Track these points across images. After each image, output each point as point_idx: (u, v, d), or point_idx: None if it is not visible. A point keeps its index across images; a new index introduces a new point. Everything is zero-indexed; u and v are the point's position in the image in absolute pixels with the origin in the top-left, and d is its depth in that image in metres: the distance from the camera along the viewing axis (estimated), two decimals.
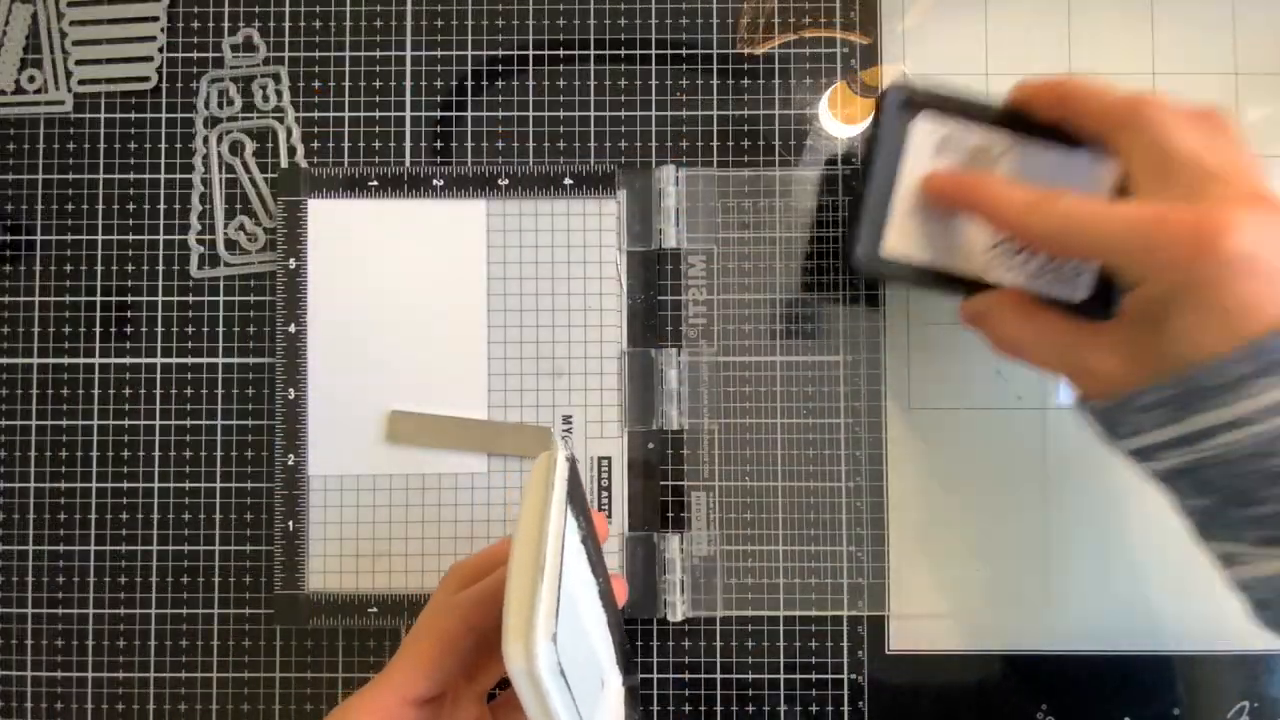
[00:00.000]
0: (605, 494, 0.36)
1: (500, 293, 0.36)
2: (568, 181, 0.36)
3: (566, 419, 0.36)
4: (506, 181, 0.36)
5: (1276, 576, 0.25)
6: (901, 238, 0.32)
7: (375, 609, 0.36)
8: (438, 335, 0.36)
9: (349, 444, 0.36)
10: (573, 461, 0.26)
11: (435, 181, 0.36)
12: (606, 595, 0.28)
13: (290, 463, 0.36)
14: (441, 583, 0.29)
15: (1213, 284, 0.24)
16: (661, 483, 0.36)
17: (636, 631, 0.36)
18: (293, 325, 0.36)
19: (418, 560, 0.36)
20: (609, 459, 0.36)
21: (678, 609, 0.36)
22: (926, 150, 0.32)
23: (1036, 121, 0.31)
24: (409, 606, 0.36)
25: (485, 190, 0.37)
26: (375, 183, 0.36)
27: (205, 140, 0.37)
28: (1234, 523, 0.26)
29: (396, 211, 0.37)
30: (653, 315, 0.37)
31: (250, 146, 0.38)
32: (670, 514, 0.37)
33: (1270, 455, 0.24)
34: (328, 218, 0.37)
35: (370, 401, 0.36)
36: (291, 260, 0.36)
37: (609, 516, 0.36)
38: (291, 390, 0.36)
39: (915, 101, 0.32)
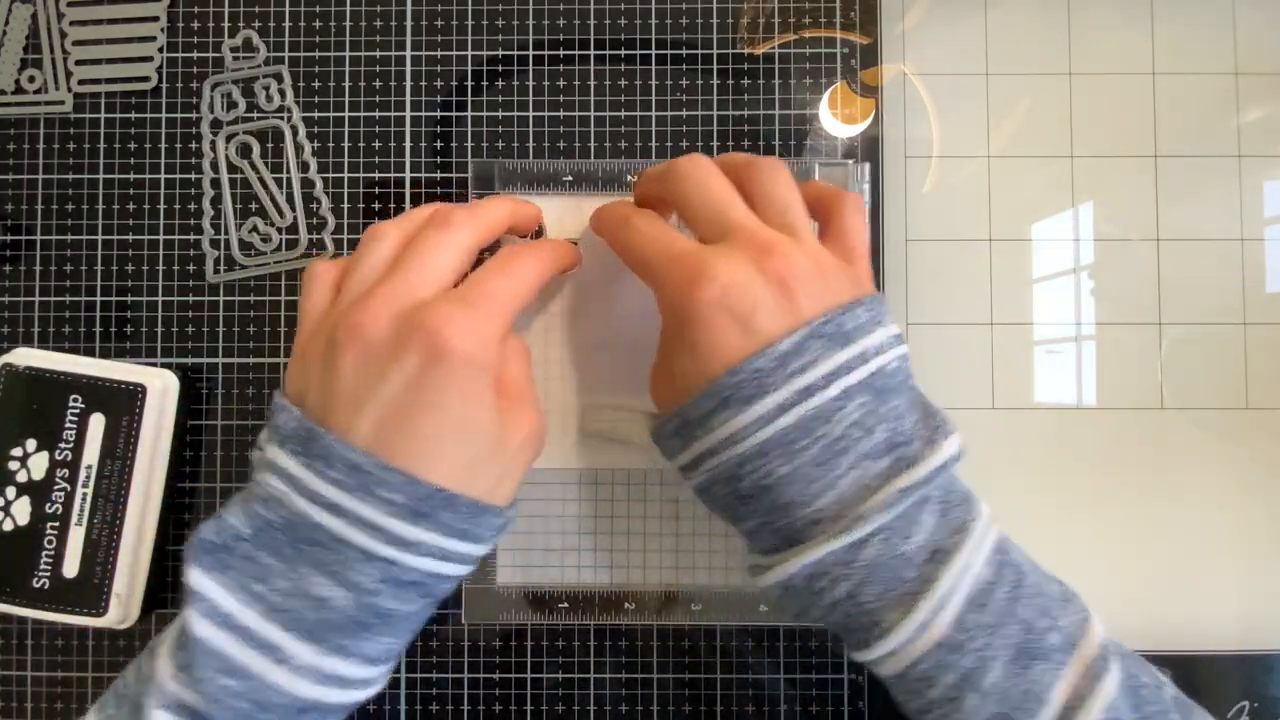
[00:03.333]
0: None
1: None
2: None
3: None
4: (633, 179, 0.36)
5: (778, 580, 0.27)
6: None
7: (566, 604, 0.36)
8: (624, 325, 0.36)
9: None
10: None
11: (629, 177, 0.37)
12: None
13: None
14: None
15: (693, 324, 0.27)
16: None
17: (637, 630, 0.36)
18: None
19: (607, 555, 0.36)
20: None
21: None
22: None
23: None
24: (600, 602, 0.36)
25: (614, 186, 0.37)
26: (569, 177, 0.36)
27: (213, 144, 0.37)
28: (746, 536, 0.29)
29: (585, 206, 0.36)
30: None
31: (257, 148, 0.38)
32: None
33: (736, 479, 0.27)
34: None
35: (562, 394, 0.36)
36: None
37: None
38: None
39: None
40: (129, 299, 0.37)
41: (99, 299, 0.37)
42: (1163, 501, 0.37)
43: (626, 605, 0.36)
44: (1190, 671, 0.36)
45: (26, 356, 0.35)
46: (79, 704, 0.36)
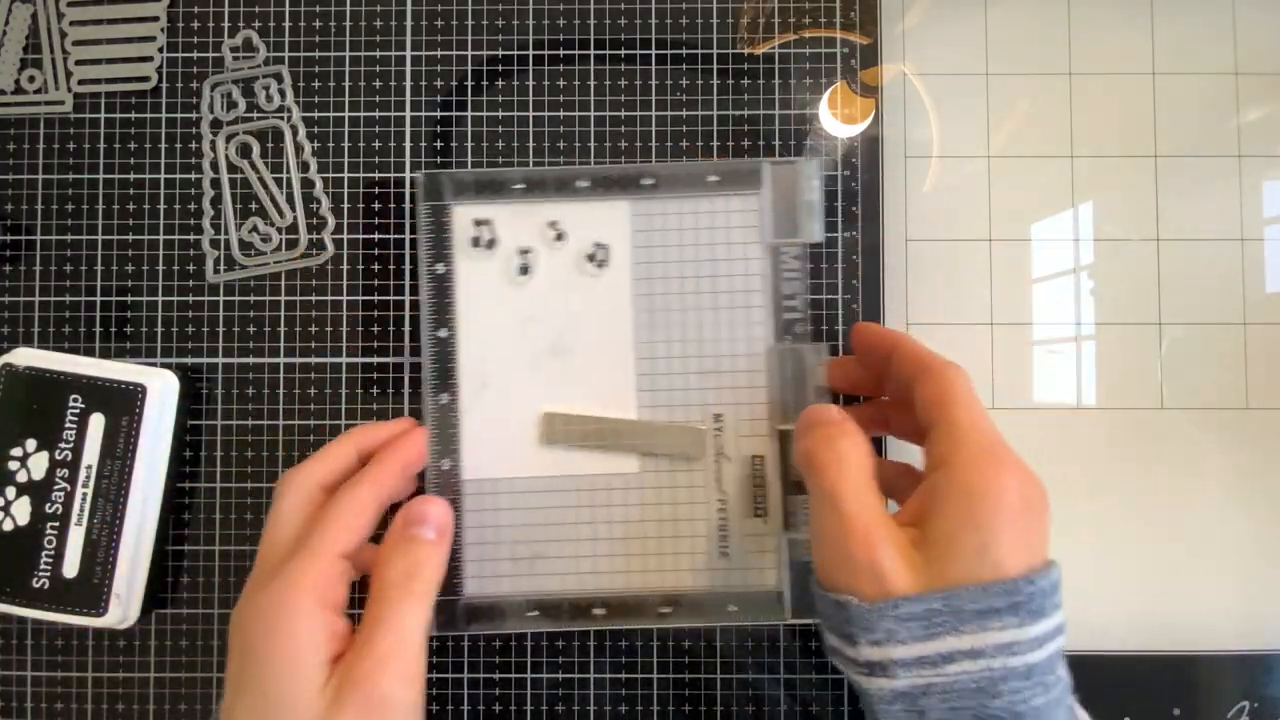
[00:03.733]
0: (760, 491, 0.36)
1: (646, 292, 0.36)
2: (712, 178, 0.36)
3: (717, 417, 0.36)
4: (652, 180, 0.36)
5: None
6: None
7: (536, 612, 0.35)
8: (586, 336, 0.36)
9: (502, 447, 0.36)
10: None
11: (580, 183, 0.36)
12: None
13: (445, 467, 0.35)
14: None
15: (998, 511, 0.26)
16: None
17: (637, 632, 0.36)
18: (443, 330, 0.36)
19: (573, 562, 0.36)
20: (762, 457, 0.36)
21: None
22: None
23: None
24: (568, 609, 0.35)
25: (629, 189, 0.36)
26: (521, 185, 0.36)
27: (213, 144, 0.37)
28: None
29: (541, 213, 0.36)
30: (800, 310, 0.36)
31: (257, 148, 0.38)
32: None
33: (987, 696, 0.25)
34: (473, 221, 0.36)
35: (522, 404, 0.36)
36: (439, 265, 0.36)
37: (765, 516, 0.36)
38: (445, 395, 0.36)
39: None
40: (129, 299, 0.37)
41: (99, 299, 0.37)
42: (1162, 501, 0.36)
43: (595, 611, 0.35)
44: (1190, 671, 0.36)
45: (27, 357, 0.35)
46: (79, 704, 0.36)
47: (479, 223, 0.36)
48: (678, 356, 0.36)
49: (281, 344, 0.37)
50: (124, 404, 0.35)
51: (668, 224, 0.36)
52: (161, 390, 0.35)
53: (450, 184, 0.36)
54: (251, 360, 0.37)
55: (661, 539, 0.36)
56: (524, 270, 0.36)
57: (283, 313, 0.37)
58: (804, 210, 0.36)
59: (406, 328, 0.37)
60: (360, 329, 0.37)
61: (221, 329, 0.37)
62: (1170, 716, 0.36)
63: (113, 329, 0.37)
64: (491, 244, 0.36)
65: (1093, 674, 0.36)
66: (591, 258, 0.36)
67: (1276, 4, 0.37)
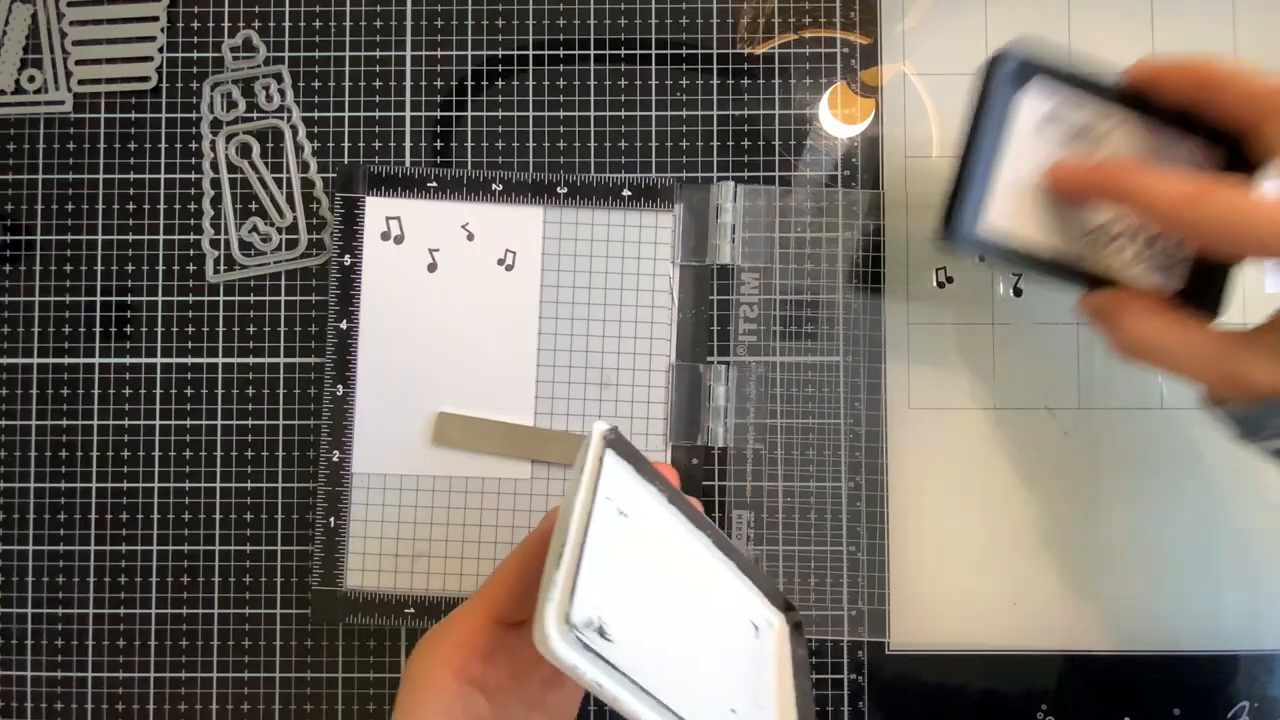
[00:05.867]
0: None
1: (553, 300, 0.36)
2: (626, 193, 0.36)
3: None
4: (565, 190, 0.36)
5: None
6: (1002, 217, 0.31)
7: (412, 610, 0.36)
8: (489, 340, 0.36)
9: (394, 443, 0.36)
10: (615, 433, 0.26)
11: (494, 186, 0.36)
12: (725, 545, 0.29)
13: (335, 459, 0.36)
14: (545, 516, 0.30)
15: None
16: (705, 499, 0.36)
17: None
18: (344, 322, 0.36)
19: (457, 563, 0.36)
20: None
21: None
22: (1030, 124, 0.31)
23: (1158, 102, 0.30)
24: (446, 608, 0.36)
25: (543, 197, 0.36)
26: (434, 184, 0.36)
27: (213, 144, 0.37)
28: None
29: (454, 213, 0.36)
30: (702, 330, 0.37)
31: (257, 148, 0.38)
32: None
33: None
34: (384, 216, 0.36)
35: (418, 402, 0.36)
36: (346, 256, 0.36)
37: None
38: (340, 386, 0.36)
39: (1025, 71, 0.30)
40: (129, 299, 0.37)
41: (99, 299, 0.37)
42: (1163, 501, 0.36)
43: None
44: (1190, 672, 0.36)
45: None
46: (79, 704, 0.36)
47: (389, 217, 0.36)
48: (579, 366, 0.36)
49: (281, 344, 0.37)
50: None
51: (579, 234, 0.36)
52: None
53: (364, 175, 0.36)
54: (251, 360, 0.37)
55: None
56: (431, 268, 0.36)
57: (283, 313, 0.37)
58: (717, 232, 0.36)
59: None
60: None
61: (221, 329, 0.37)
62: (1170, 716, 0.36)
63: (113, 329, 0.37)
64: (400, 239, 0.36)
65: (1093, 674, 0.36)
66: (500, 261, 0.36)
67: (1277, 4, 0.37)
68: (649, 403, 0.36)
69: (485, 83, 0.38)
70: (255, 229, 0.38)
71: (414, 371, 0.36)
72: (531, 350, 0.36)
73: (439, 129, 0.38)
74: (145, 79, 0.38)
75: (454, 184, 0.36)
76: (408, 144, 0.38)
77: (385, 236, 0.36)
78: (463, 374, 0.36)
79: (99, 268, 0.38)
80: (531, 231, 0.36)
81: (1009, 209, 0.31)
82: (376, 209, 0.36)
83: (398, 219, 0.36)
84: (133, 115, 0.38)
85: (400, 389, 0.36)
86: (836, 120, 0.38)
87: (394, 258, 0.36)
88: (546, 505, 0.36)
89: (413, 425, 0.36)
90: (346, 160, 0.38)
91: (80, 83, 0.38)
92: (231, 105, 0.38)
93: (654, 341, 0.36)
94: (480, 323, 0.36)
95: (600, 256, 0.37)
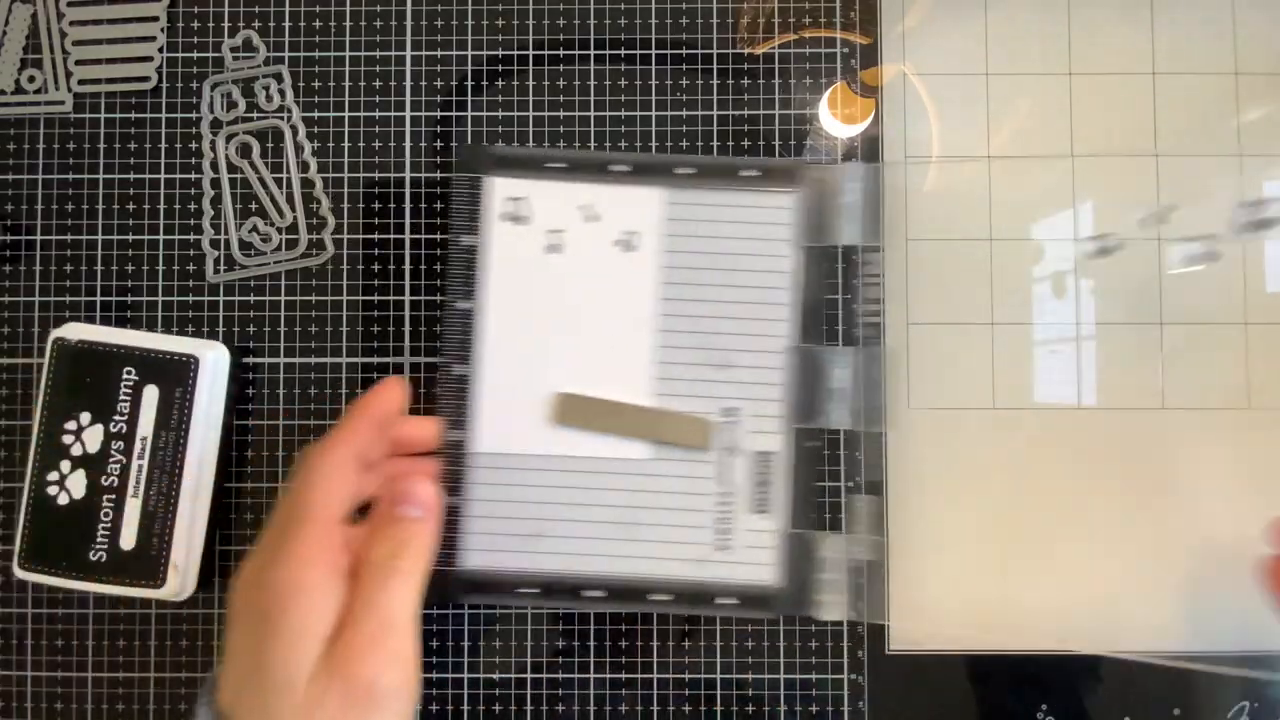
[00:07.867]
0: (764, 489, 0.36)
1: (671, 281, 0.36)
2: (748, 173, 0.36)
3: (730, 411, 0.36)
4: (686, 170, 0.36)
5: None
6: None
7: (534, 590, 0.35)
8: (607, 320, 0.36)
9: (515, 423, 0.36)
10: None
11: (614, 167, 0.36)
12: None
13: (457, 439, 0.35)
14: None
15: None
16: (818, 484, 0.36)
17: (652, 631, 0.36)
18: (467, 302, 0.36)
19: (575, 543, 0.36)
20: (770, 454, 0.36)
21: (832, 608, 0.36)
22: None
23: None
24: (565, 589, 0.35)
25: (665, 178, 0.36)
26: (563, 164, 0.36)
27: (213, 144, 0.37)
28: None
29: (574, 194, 0.36)
30: (821, 312, 0.37)
31: (257, 148, 0.38)
32: (828, 514, 0.37)
33: None
34: (507, 197, 0.36)
35: (537, 382, 0.36)
36: (468, 237, 0.36)
37: (768, 513, 0.36)
38: (461, 367, 0.36)
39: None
40: (129, 299, 0.37)
41: (99, 299, 0.37)
42: (1163, 501, 0.36)
43: (593, 593, 0.35)
44: (1190, 672, 0.36)
45: (78, 331, 0.35)
46: (79, 704, 0.36)
47: (513, 198, 0.36)
48: (697, 347, 0.36)
49: (281, 344, 0.37)
50: (177, 375, 0.35)
51: (700, 215, 0.36)
52: (214, 361, 0.35)
53: (488, 157, 0.36)
54: (251, 360, 0.37)
55: (664, 526, 0.36)
56: (553, 249, 0.36)
57: (283, 313, 0.37)
58: (839, 213, 0.36)
59: (406, 328, 0.37)
60: (360, 329, 0.37)
61: (221, 329, 0.37)
62: (1170, 716, 0.36)
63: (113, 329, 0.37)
64: (522, 220, 0.36)
65: (1093, 674, 0.36)
66: (620, 242, 0.36)
67: (1276, 4, 0.37)
68: (767, 384, 0.36)
69: (485, 83, 0.38)
70: (255, 229, 0.38)
71: (534, 352, 0.36)
72: (650, 331, 0.36)
73: (439, 129, 0.38)
74: (145, 79, 0.38)
75: (578, 165, 0.36)
76: (408, 144, 0.38)
77: (508, 217, 0.36)
78: (582, 354, 0.36)
79: (99, 268, 0.38)
80: (653, 212, 0.36)
81: None
82: (500, 189, 0.36)
83: (523, 200, 0.36)
84: (133, 115, 0.38)
85: (520, 369, 0.36)
86: (836, 120, 0.38)
87: (516, 238, 0.36)
88: (664, 485, 0.36)
89: (532, 405, 0.36)
90: (360, 160, 0.38)
91: (80, 83, 0.38)
92: (231, 105, 0.38)
93: (773, 323, 0.36)
94: (599, 303, 0.36)
95: (720, 238, 0.36)
